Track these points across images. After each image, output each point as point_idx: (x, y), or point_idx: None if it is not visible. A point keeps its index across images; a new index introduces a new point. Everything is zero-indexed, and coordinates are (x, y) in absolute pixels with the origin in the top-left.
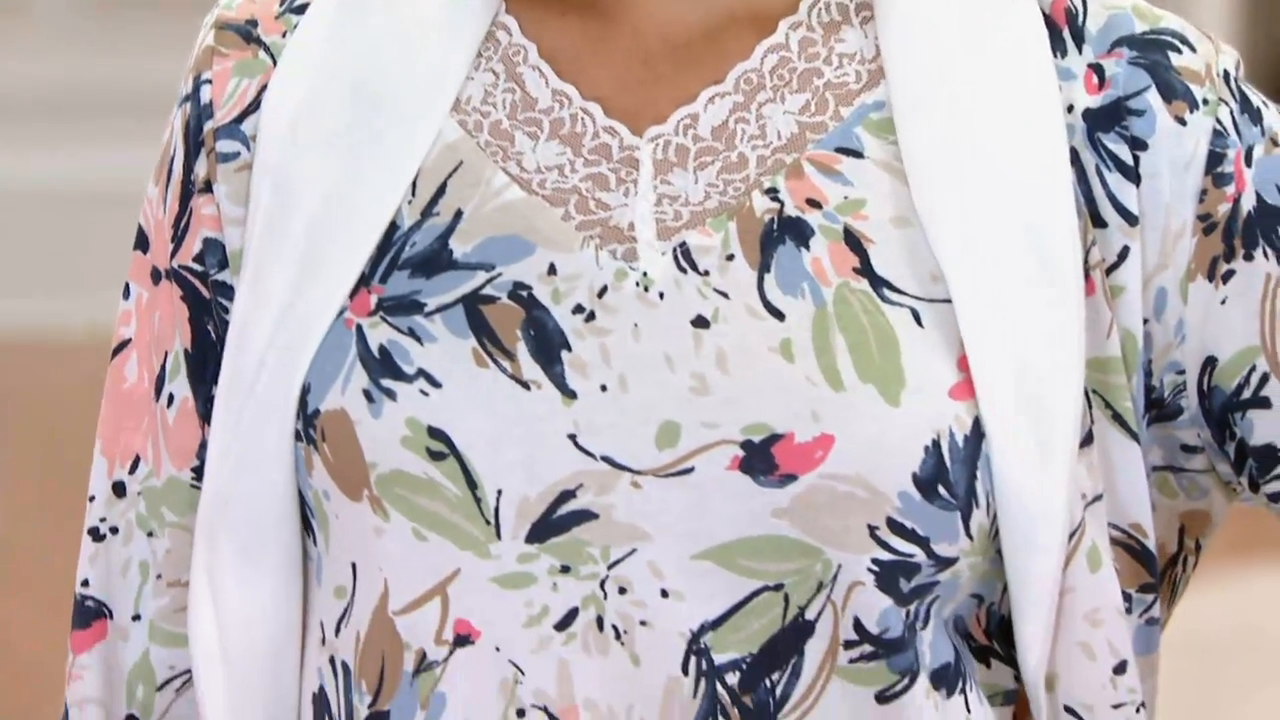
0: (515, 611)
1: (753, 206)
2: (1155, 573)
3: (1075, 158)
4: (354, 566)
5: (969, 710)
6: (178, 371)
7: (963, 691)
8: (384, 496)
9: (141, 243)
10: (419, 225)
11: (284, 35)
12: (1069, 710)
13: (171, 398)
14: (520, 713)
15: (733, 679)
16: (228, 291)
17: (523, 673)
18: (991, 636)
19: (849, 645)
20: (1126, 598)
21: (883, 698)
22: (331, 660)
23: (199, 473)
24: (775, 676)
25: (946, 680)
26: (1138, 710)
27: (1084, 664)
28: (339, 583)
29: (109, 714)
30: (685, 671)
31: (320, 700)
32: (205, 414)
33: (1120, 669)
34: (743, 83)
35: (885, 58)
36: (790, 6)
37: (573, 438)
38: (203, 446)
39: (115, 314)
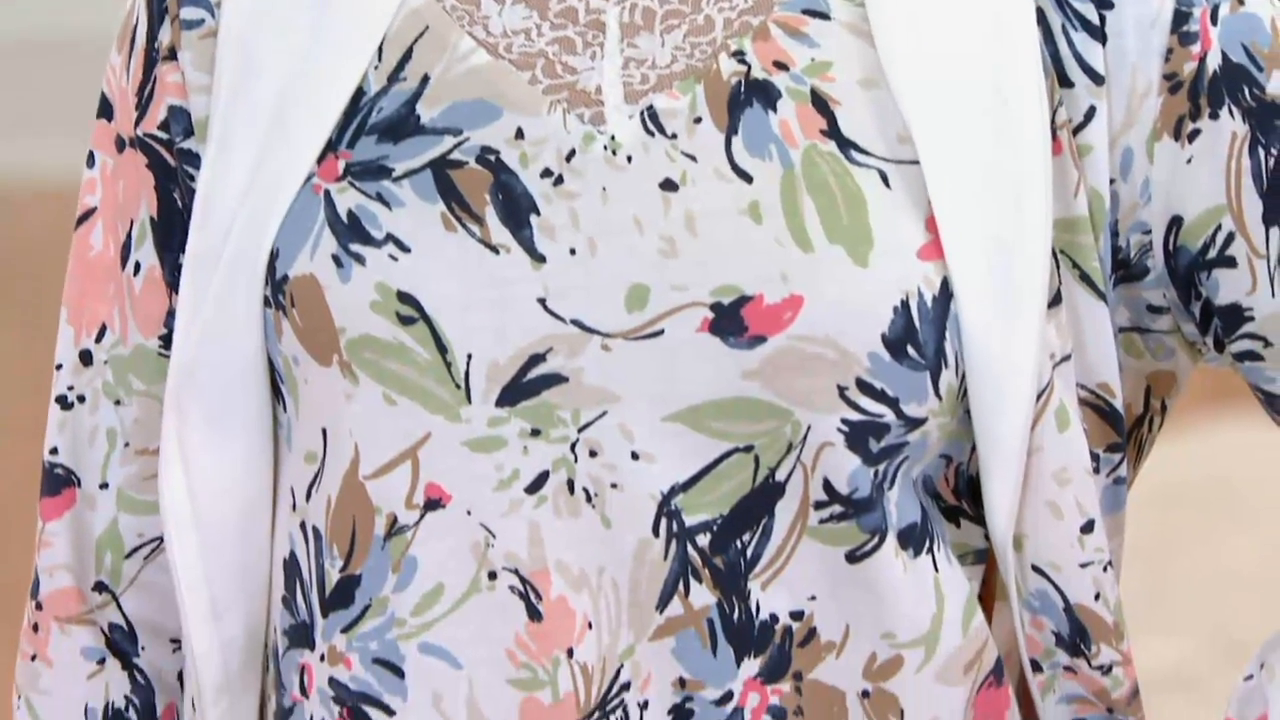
0: (486, 475)
1: (720, 69)
2: (1123, 432)
3: (1041, 18)
4: (324, 432)
5: (937, 569)
6: (144, 239)
7: (930, 551)
8: (353, 361)
9: (105, 111)
10: (385, 91)
11: None
12: (1037, 570)
13: (138, 266)
14: (492, 575)
15: (703, 540)
16: (194, 160)
17: (494, 536)
18: (960, 496)
19: (819, 506)
20: (1094, 457)
21: (853, 557)
22: (302, 525)
23: (166, 341)
24: (746, 538)
25: (914, 540)
26: (1105, 569)
27: (1051, 523)
28: (309, 448)
29: (78, 580)
30: (656, 533)
31: (291, 565)
32: (172, 282)
33: (1088, 528)
34: None
35: None
36: None
37: (542, 301)
38: (170, 315)
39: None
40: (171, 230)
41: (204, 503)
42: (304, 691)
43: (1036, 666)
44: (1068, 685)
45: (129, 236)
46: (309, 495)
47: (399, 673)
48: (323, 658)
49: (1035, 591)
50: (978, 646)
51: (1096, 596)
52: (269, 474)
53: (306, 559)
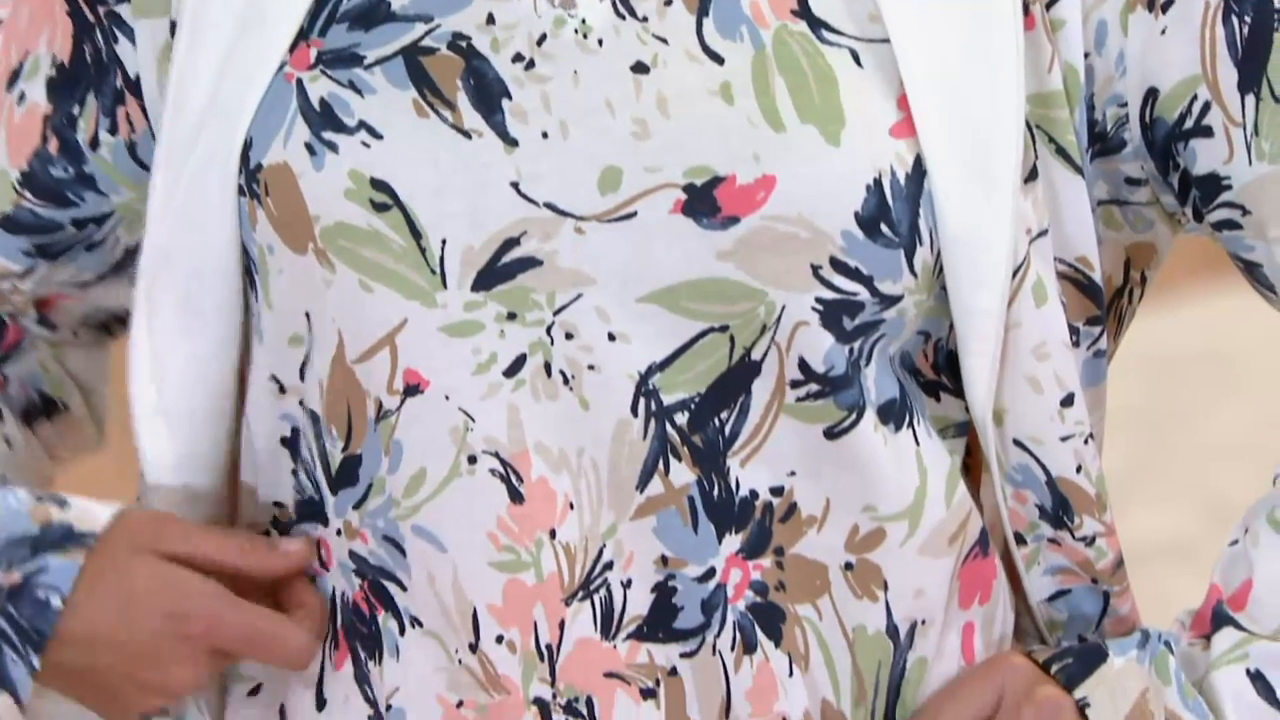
0: (463, 359)
1: None
2: (1102, 305)
3: None
4: (308, 316)
5: (918, 443)
6: (35, 74)
7: (910, 425)
8: (329, 249)
9: None
10: None
11: None
12: (1018, 444)
13: (23, 96)
14: (472, 459)
15: (681, 419)
16: (121, 25)
17: (473, 420)
18: (940, 371)
19: (795, 385)
20: (1074, 331)
21: (831, 434)
22: (302, 404)
23: (27, 181)
24: (724, 416)
25: (893, 415)
26: (1085, 441)
27: (1031, 397)
28: (294, 331)
29: None
30: (634, 413)
31: (291, 445)
32: (59, 132)
33: (1067, 401)
34: None
35: None
36: None
37: (515, 185)
38: (39, 159)
39: None
40: (77, 84)
41: (172, 392)
42: (324, 564)
43: (1020, 540)
44: (1052, 558)
45: (20, 65)
46: (302, 375)
47: (402, 551)
48: (339, 532)
49: (1017, 466)
50: (961, 519)
51: (1078, 469)
52: (237, 362)
53: (306, 440)
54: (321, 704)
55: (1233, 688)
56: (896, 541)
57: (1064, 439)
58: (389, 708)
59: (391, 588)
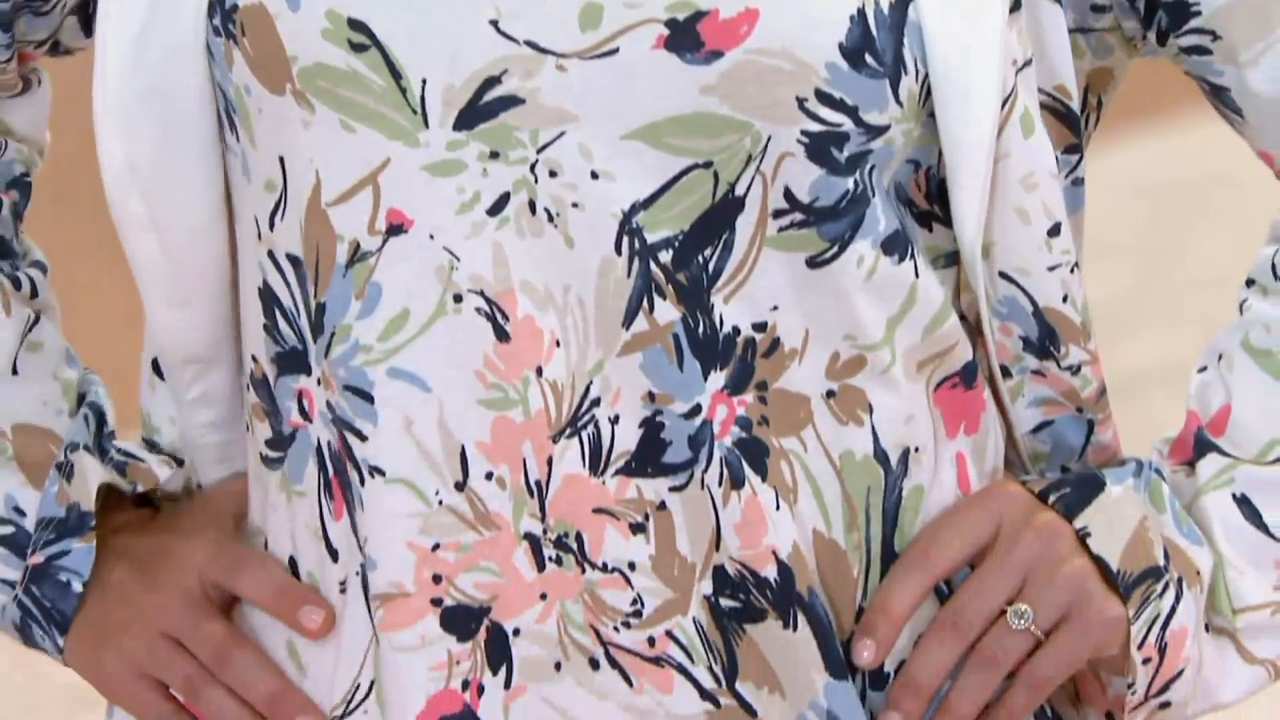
0: (447, 198)
1: None
2: (1080, 134)
3: None
4: (281, 160)
5: (917, 275)
6: None
7: (911, 257)
8: (307, 90)
9: None
10: None
11: None
12: (1005, 276)
13: None
14: (457, 298)
15: (665, 257)
16: None
17: (458, 258)
18: (932, 200)
19: (778, 214)
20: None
21: (813, 263)
22: (270, 254)
23: None
24: (707, 253)
25: (897, 246)
26: (1071, 270)
27: (1019, 229)
28: (268, 177)
29: None
30: (619, 251)
31: (267, 295)
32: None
33: (1054, 231)
34: None
35: None
36: None
37: (494, 23)
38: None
39: None
40: None
41: (161, 209)
42: (306, 416)
43: (1005, 372)
44: (1036, 389)
45: None
46: (272, 224)
47: (369, 399)
48: (319, 382)
49: (1003, 298)
50: (942, 348)
51: (1064, 298)
52: (222, 197)
53: (285, 287)
54: (334, 554)
55: (1220, 513)
56: (879, 368)
57: (1051, 269)
58: (366, 558)
59: (351, 438)
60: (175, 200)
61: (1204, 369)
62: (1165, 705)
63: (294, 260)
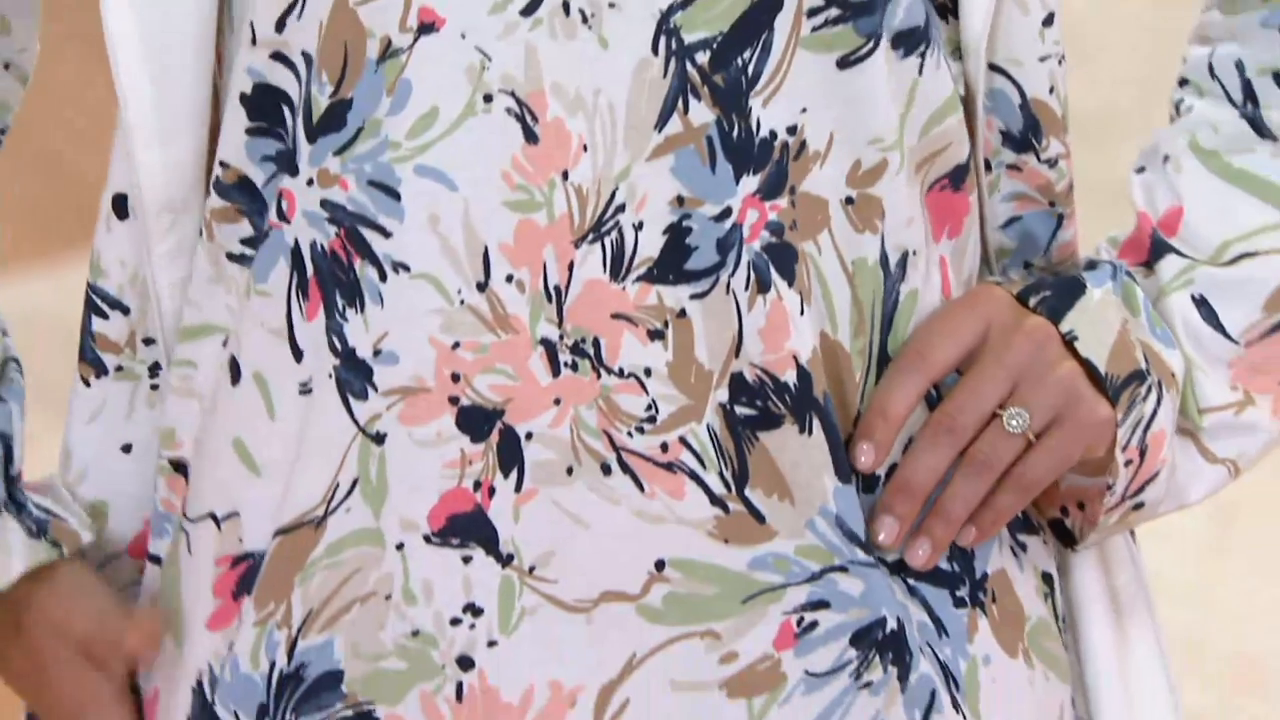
0: None
1: None
2: None
3: None
4: None
5: (921, 73)
6: None
7: (921, 55)
8: None
9: None
10: None
11: None
12: (995, 68)
13: None
14: (487, 98)
15: (703, 58)
16: None
17: (489, 58)
18: None
19: (813, 13)
20: None
21: (844, 63)
22: (279, 55)
23: None
24: (746, 55)
25: (911, 42)
26: (1059, 62)
27: (1019, 19)
28: None
29: None
30: (655, 52)
31: (266, 96)
32: None
33: (1048, 21)
34: None
35: None
36: None
37: None
38: None
39: None
40: None
41: (152, 31)
42: (283, 218)
43: (986, 165)
44: (1011, 184)
45: None
46: (282, 25)
47: (395, 195)
48: (310, 182)
49: (990, 91)
50: (939, 147)
51: (1051, 90)
52: (214, 5)
53: (296, 84)
54: (299, 355)
55: (1182, 314)
56: (894, 170)
57: (1042, 59)
58: (378, 353)
59: (370, 234)
60: (171, 18)
61: (1143, 170)
62: (1139, 506)
63: (306, 58)
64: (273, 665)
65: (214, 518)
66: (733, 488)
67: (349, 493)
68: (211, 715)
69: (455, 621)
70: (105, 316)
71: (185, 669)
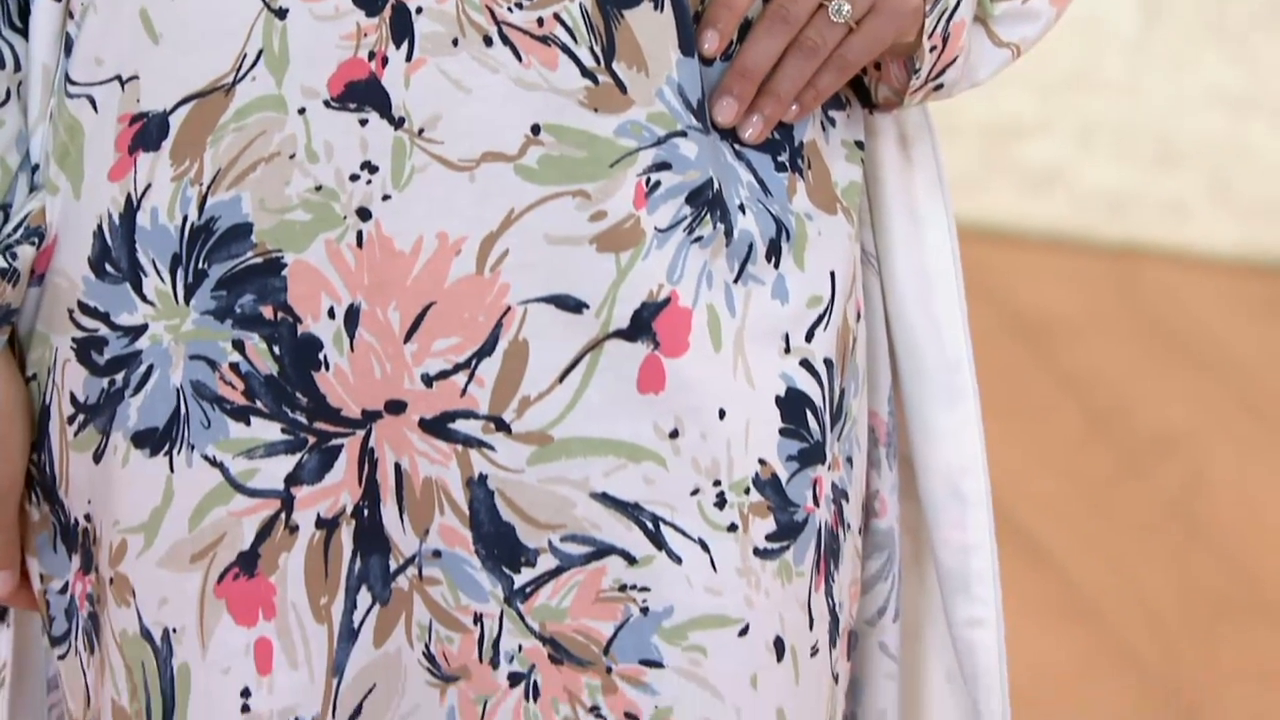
0: None
1: None
2: None
3: None
4: None
5: None
6: None
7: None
8: None
9: None
10: None
11: None
12: None
13: None
14: None
15: None
16: None
17: None
18: None
19: None
20: None
21: None
22: None
23: None
24: None
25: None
26: None
27: None
28: None
29: None
30: None
31: None
32: None
33: None
34: None
35: None
36: None
37: None
38: None
39: None
40: None
41: None
42: None
43: None
44: None
45: None
46: None
47: None
48: None
49: None
50: None
51: None
52: None
53: None
54: None
55: None
56: None
57: None
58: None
59: None
60: None
61: None
62: (939, 87)
63: None
64: (185, 219)
65: (119, 79)
66: (601, 61)
67: (254, 63)
68: (109, 255)
69: (354, 177)
70: None
71: (85, 216)
